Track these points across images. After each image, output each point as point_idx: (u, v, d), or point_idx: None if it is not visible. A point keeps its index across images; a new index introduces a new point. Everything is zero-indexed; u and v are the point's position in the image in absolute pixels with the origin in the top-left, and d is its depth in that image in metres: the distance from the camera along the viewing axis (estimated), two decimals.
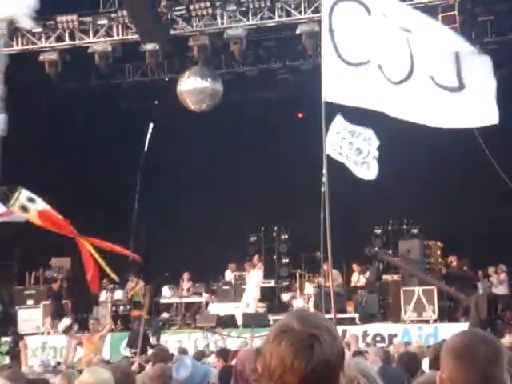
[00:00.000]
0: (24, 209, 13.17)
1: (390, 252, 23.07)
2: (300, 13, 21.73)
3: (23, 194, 13.42)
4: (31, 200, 13.39)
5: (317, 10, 20.38)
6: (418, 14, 9.57)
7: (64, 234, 13.24)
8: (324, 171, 10.19)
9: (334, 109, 10.35)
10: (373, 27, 9.26)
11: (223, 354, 10.26)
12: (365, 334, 19.54)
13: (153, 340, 20.03)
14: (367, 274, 23.35)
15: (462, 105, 9.20)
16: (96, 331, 17.25)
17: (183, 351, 14.83)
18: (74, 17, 22.48)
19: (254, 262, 23.57)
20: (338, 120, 11.03)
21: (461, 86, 9.06)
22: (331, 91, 9.31)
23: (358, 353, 9.29)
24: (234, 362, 5.99)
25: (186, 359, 5.87)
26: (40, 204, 13.29)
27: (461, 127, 9.63)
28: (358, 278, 23.61)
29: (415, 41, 9.12)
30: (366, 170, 11.42)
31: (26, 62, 23.48)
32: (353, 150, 11.17)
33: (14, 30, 23.03)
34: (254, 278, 23.00)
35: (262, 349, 2.52)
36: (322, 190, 10.17)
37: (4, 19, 7.17)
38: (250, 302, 22.74)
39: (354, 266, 23.70)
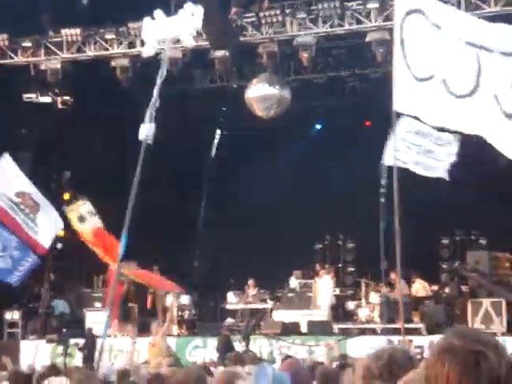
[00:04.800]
0: (81, 219, 13.43)
1: (458, 264, 22.79)
2: (370, 20, 21.63)
3: (86, 207, 13.66)
4: (92, 214, 13.65)
5: (387, 18, 20.28)
6: (496, 30, 9.45)
7: (106, 259, 13.21)
8: (383, 182, 10.23)
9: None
10: (441, 41, 9.25)
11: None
12: (431, 345, 19.30)
13: (242, 345, 19.91)
14: (447, 290, 23.03)
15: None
16: (156, 334, 17.43)
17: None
18: None
19: (327, 268, 23.71)
20: (404, 124, 10.99)
21: None
22: (402, 102, 9.33)
23: None
24: None
25: (267, 367, 5.79)
26: (97, 221, 13.51)
27: (506, 154, 9.43)
28: (417, 289, 23.33)
29: (486, 57, 9.04)
30: (437, 170, 11.36)
31: (98, 69, 23.87)
32: (421, 153, 11.12)
33: (87, 36, 23.45)
34: (328, 285, 23.12)
35: (426, 371, 2.43)
36: (381, 200, 10.20)
37: (170, 39, 7.44)
38: (324, 308, 22.75)
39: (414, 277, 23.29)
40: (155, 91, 6.98)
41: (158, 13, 7.24)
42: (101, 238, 12.86)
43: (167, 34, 7.36)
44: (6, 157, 13.08)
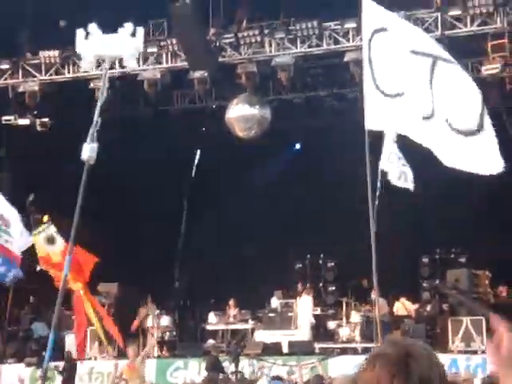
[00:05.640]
0: (50, 241, 13.26)
1: (438, 281, 22.83)
2: (348, 40, 21.77)
3: (52, 228, 13.50)
4: (58, 234, 13.50)
5: None
6: (447, 55, 9.57)
7: (71, 283, 12.78)
8: (379, 186, 10.30)
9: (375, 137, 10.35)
10: (404, 61, 9.37)
11: None
12: None
13: (231, 366, 19.78)
14: (428, 308, 23.04)
15: (475, 149, 9.14)
16: (135, 356, 17.31)
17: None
18: None
19: (307, 288, 23.74)
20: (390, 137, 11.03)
21: (479, 129, 9.00)
22: (373, 120, 9.43)
23: None
24: None
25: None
26: (62, 242, 13.34)
27: (470, 171, 9.52)
28: (397, 308, 23.39)
29: (440, 80, 9.15)
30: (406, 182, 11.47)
31: (77, 90, 23.84)
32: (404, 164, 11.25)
33: (65, 58, 23.43)
34: (307, 304, 23.13)
35: (358, 377, 2.47)
36: (376, 203, 10.24)
37: (110, 58, 7.27)
38: (304, 327, 22.75)
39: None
40: (96, 111, 6.88)
41: (93, 27, 7.05)
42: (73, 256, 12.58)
43: (106, 52, 7.20)
44: None
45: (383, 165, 10.98)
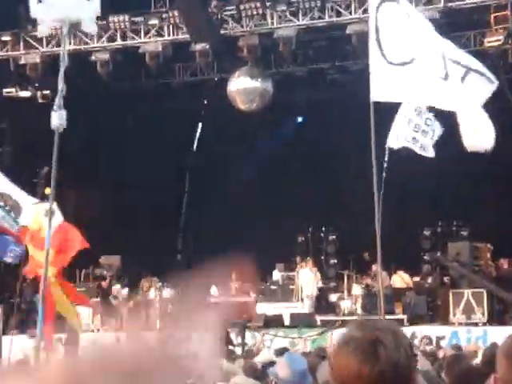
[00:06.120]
0: (50, 213, 13.05)
1: (439, 254, 22.86)
2: (350, 13, 21.65)
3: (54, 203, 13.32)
4: (57, 209, 13.34)
5: (367, 10, 20.23)
6: (436, 34, 9.66)
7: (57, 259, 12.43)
8: (385, 165, 10.29)
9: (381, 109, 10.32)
10: (413, 28, 9.39)
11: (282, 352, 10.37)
12: (413, 336, 19.42)
13: (237, 339, 19.87)
14: (430, 279, 23.09)
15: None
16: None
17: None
18: (126, 17, 22.66)
19: (308, 261, 23.78)
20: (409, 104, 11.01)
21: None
22: (378, 91, 9.37)
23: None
24: None
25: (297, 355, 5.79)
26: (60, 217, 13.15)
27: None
28: (395, 281, 23.44)
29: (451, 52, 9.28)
30: (430, 149, 11.39)
31: (78, 62, 23.75)
32: (419, 132, 11.18)
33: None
34: (310, 276, 23.19)
35: (329, 362, 2.52)
36: (384, 174, 10.23)
37: (69, 21, 7.11)
38: (305, 300, 22.83)
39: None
40: (60, 78, 6.78)
41: None
42: (63, 233, 12.22)
43: (63, 15, 7.02)
44: None
45: (390, 142, 10.97)
